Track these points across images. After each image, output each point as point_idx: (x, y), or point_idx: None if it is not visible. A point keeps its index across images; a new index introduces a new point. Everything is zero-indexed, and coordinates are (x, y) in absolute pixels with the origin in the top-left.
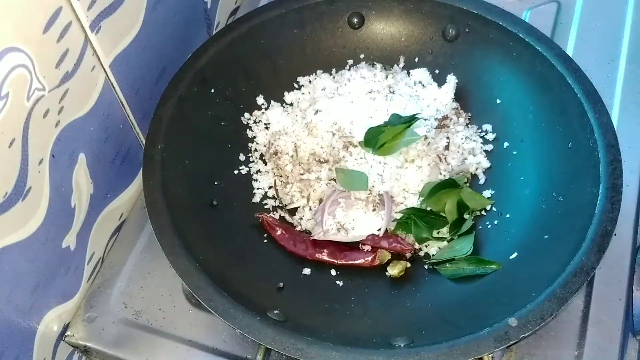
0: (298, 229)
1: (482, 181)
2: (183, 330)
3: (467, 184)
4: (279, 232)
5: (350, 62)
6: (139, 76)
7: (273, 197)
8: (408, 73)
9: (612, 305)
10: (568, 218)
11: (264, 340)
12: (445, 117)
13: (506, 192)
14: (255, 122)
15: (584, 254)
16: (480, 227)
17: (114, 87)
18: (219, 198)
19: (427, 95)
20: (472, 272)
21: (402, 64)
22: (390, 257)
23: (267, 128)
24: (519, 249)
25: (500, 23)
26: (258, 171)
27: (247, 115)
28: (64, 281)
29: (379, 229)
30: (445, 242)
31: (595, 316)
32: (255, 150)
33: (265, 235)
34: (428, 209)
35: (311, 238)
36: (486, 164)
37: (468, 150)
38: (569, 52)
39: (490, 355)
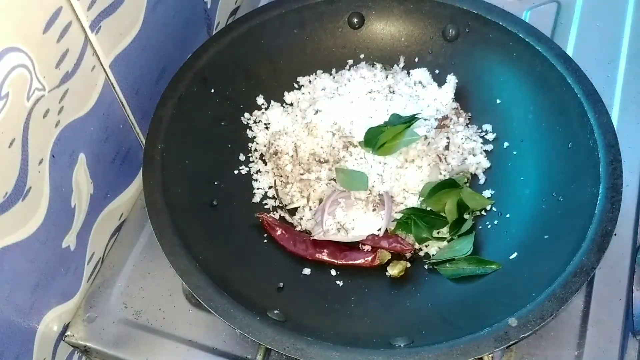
0: (298, 229)
1: (482, 181)
2: (183, 330)
3: (467, 184)
4: (279, 232)
5: (350, 62)
6: (139, 76)
7: (273, 197)
8: (408, 73)
9: (612, 305)
10: (568, 218)
11: (264, 340)
12: (445, 117)
13: (506, 192)
14: (255, 122)
15: (584, 254)
16: (480, 227)
17: (114, 87)
18: (219, 198)
19: (427, 95)
20: (472, 272)
21: (402, 64)
22: (390, 257)
23: (267, 128)
24: (519, 249)
25: (500, 23)
26: (258, 171)
27: (247, 115)
28: (64, 281)
29: (379, 229)
30: (445, 242)
31: (595, 316)
32: (255, 150)
33: (265, 235)
34: (428, 209)
35: (311, 238)
36: (486, 164)
37: (468, 150)
38: (569, 52)
39: (490, 355)
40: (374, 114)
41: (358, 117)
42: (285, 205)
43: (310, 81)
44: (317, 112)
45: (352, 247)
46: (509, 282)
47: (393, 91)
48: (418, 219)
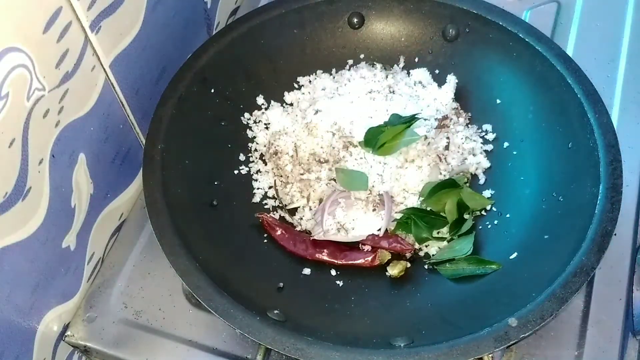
0: (298, 229)
1: (482, 181)
2: (183, 330)
3: (467, 184)
4: (279, 232)
5: (350, 62)
6: (139, 76)
7: (273, 197)
8: (408, 73)
9: (612, 305)
10: (568, 218)
11: (264, 340)
12: (445, 117)
13: (506, 192)
14: (255, 122)
15: (584, 254)
16: (480, 227)
17: (114, 87)
18: (219, 198)
19: (427, 95)
20: (472, 272)
21: (402, 64)
22: (390, 257)
23: (267, 128)
24: (519, 249)
25: (500, 23)
26: (258, 171)
27: (247, 115)
28: (64, 281)
29: (379, 229)
30: (445, 242)
31: (595, 316)
32: (255, 150)
33: (265, 235)
34: (428, 209)
35: (311, 238)
36: (486, 164)
37: (468, 150)
38: (569, 52)
39: (490, 355)
40: (374, 114)
41: (358, 117)
42: (285, 205)
43: (310, 81)
44: (317, 112)
45: (352, 247)
46: (509, 282)
47: (393, 91)
48: (418, 219)
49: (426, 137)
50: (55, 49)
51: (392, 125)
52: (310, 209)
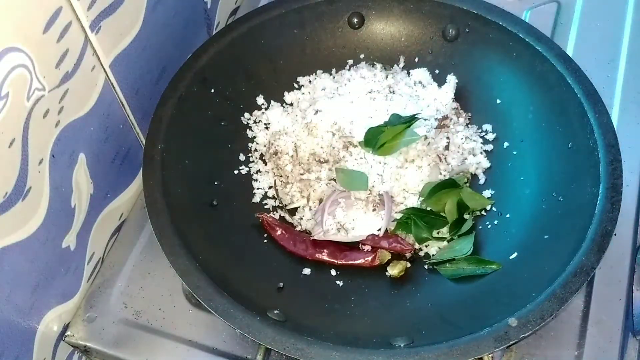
0: (298, 229)
1: (482, 181)
2: (183, 330)
3: (467, 184)
4: (279, 232)
5: (350, 62)
6: (139, 76)
7: (273, 197)
8: (408, 73)
9: (612, 305)
10: (568, 218)
11: (264, 340)
12: (445, 117)
13: (506, 192)
14: (255, 122)
15: (584, 254)
16: (480, 227)
17: (114, 87)
18: (219, 198)
19: (427, 95)
20: (472, 272)
21: (402, 64)
22: (390, 257)
23: (267, 128)
24: (519, 249)
25: (500, 23)
26: (258, 171)
27: (247, 115)
28: (64, 281)
29: (379, 229)
30: (445, 242)
31: (595, 316)
32: (255, 150)
33: (265, 235)
34: (428, 209)
35: (311, 238)
36: (486, 164)
37: (468, 150)
38: (569, 52)
39: (490, 355)
40: (374, 114)
41: (358, 117)
42: (285, 205)
43: (310, 81)
44: (317, 112)
45: (352, 247)
46: (509, 282)
47: (393, 91)
48: (418, 219)
49: (426, 137)
50: (55, 49)
51: (392, 125)
52: (310, 209)
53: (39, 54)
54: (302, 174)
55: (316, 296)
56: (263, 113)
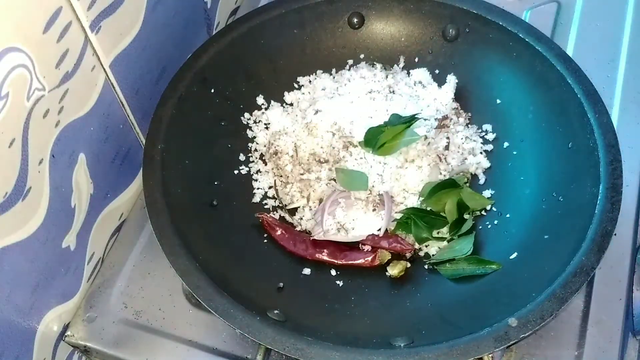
0: (298, 229)
1: (482, 181)
2: (183, 330)
3: (467, 184)
4: (279, 232)
5: (350, 62)
6: (139, 76)
7: (273, 197)
8: (408, 73)
9: (612, 305)
10: (568, 218)
11: (264, 340)
12: (445, 117)
13: (506, 192)
14: (255, 122)
15: (584, 254)
16: (480, 227)
17: (114, 87)
18: (219, 198)
19: (427, 95)
20: (472, 272)
21: (402, 64)
22: (390, 257)
23: (267, 128)
24: (519, 249)
25: (500, 23)
26: (258, 171)
27: (247, 115)
28: (64, 281)
29: (379, 229)
30: (445, 242)
31: (595, 316)
32: (255, 150)
33: (265, 235)
34: (428, 209)
35: (311, 238)
36: (486, 164)
37: (468, 150)
38: (569, 52)
39: (490, 355)
40: (374, 114)
41: (358, 117)
42: (285, 205)
43: (310, 81)
44: (317, 112)
45: (352, 247)
46: (509, 282)
47: (393, 91)
48: (418, 219)
49: (426, 137)
50: (55, 49)
51: (392, 125)
52: (310, 209)
53: (39, 54)
54: (302, 174)
55: (316, 296)
56: (263, 113)
